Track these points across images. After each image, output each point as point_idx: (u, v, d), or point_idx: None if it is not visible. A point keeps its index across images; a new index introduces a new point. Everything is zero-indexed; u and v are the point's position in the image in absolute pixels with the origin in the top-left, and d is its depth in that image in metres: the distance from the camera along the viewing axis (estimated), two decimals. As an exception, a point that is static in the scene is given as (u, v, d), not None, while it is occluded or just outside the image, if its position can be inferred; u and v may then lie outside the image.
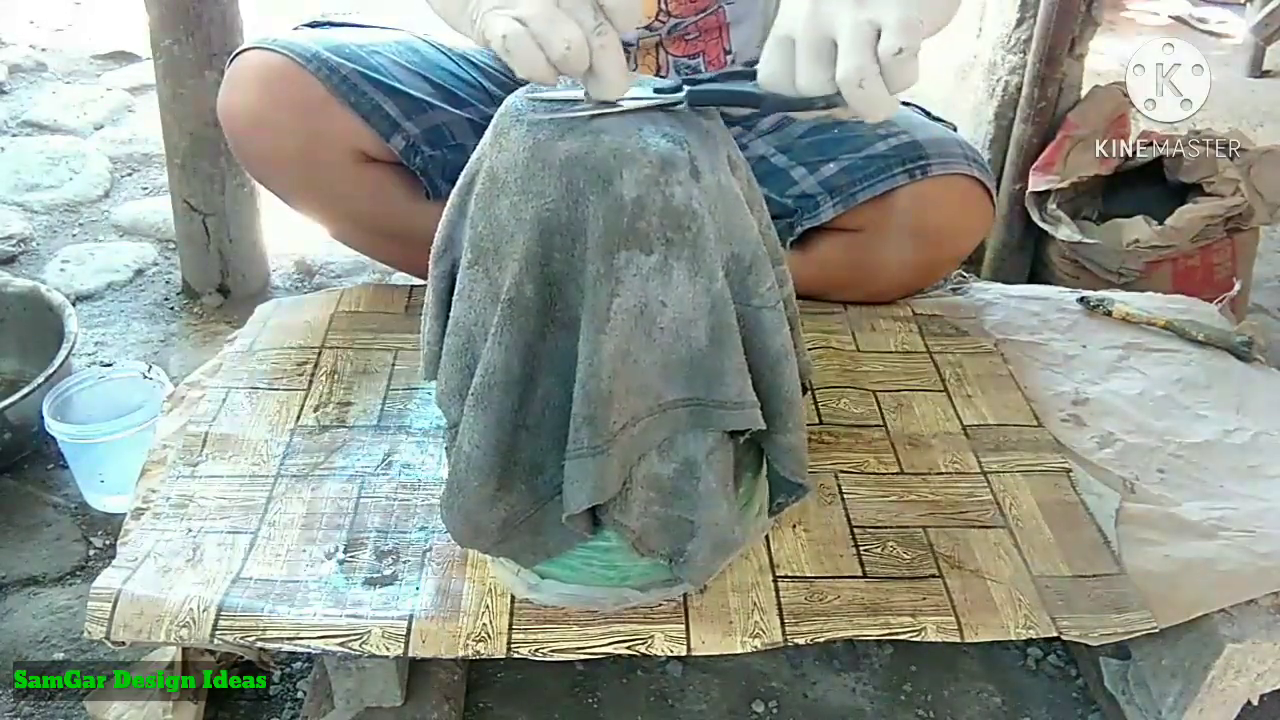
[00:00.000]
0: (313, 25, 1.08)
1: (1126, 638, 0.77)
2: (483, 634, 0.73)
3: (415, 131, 1.03)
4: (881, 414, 0.97)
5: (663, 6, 1.05)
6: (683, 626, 0.75)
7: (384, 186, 1.05)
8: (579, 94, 0.63)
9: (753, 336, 0.67)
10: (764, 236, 0.70)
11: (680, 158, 0.62)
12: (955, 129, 1.09)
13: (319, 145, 1.01)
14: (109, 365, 1.21)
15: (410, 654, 0.72)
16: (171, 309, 1.52)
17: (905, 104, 1.13)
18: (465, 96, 1.07)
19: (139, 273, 1.61)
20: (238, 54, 1.02)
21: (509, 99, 0.68)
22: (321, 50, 1.00)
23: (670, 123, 0.64)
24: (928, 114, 1.11)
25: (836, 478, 0.89)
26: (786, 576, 0.79)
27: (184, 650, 0.87)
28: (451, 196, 0.70)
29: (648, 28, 1.06)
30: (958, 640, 0.75)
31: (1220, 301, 1.24)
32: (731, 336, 0.65)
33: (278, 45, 0.99)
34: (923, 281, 1.13)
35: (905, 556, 0.82)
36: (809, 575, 0.79)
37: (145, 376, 1.19)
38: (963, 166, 1.02)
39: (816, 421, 0.95)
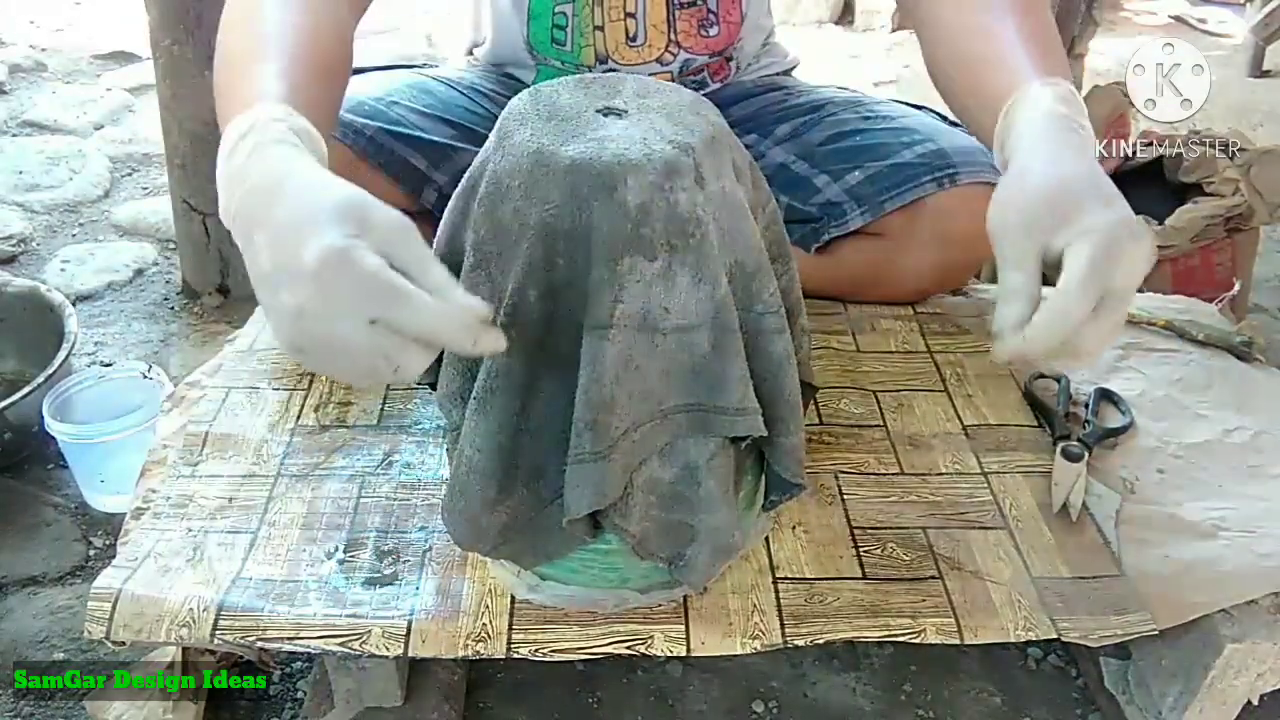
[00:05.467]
0: None
1: (1126, 639, 0.78)
2: (483, 634, 0.73)
3: (444, 180, 1.02)
4: (882, 414, 0.97)
5: (672, 39, 1.06)
6: (682, 627, 0.75)
7: (424, 237, 1.04)
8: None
9: (755, 342, 0.67)
10: (770, 232, 0.70)
11: (685, 164, 0.62)
12: None
13: None
14: (109, 365, 1.21)
15: (410, 654, 0.72)
16: (171, 309, 1.53)
17: (919, 108, 1.13)
18: (483, 131, 1.07)
19: (139, 273, 1.62)
20: None
21: (512, 101, 0.68)
22: (343, 113, 0.97)
23: (675, 129, 0.64)
24: (943, 118, 1.10)
25: (836, 478, 0.89)
26: (786, 578, 0.79)
27: (184, 650, 0.87)
28: (453, 199, 0.70)
29: (658, 60, 1.06)
30: (957, 642, 0.75)
31: (1220, 301, 1.24)
32: (734, 343, 0.65)
33: None
34: (943, 285, 1.13)
35: (905, 558, 0.82)
36: (809, 577, 0.80)
37: (145, 376, 1.19)
38: (989, 174, 1.02)
39: (816, 422, 0.95)
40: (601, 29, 1.04)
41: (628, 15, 1.03)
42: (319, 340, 0.53)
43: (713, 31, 1.07)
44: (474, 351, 0.55)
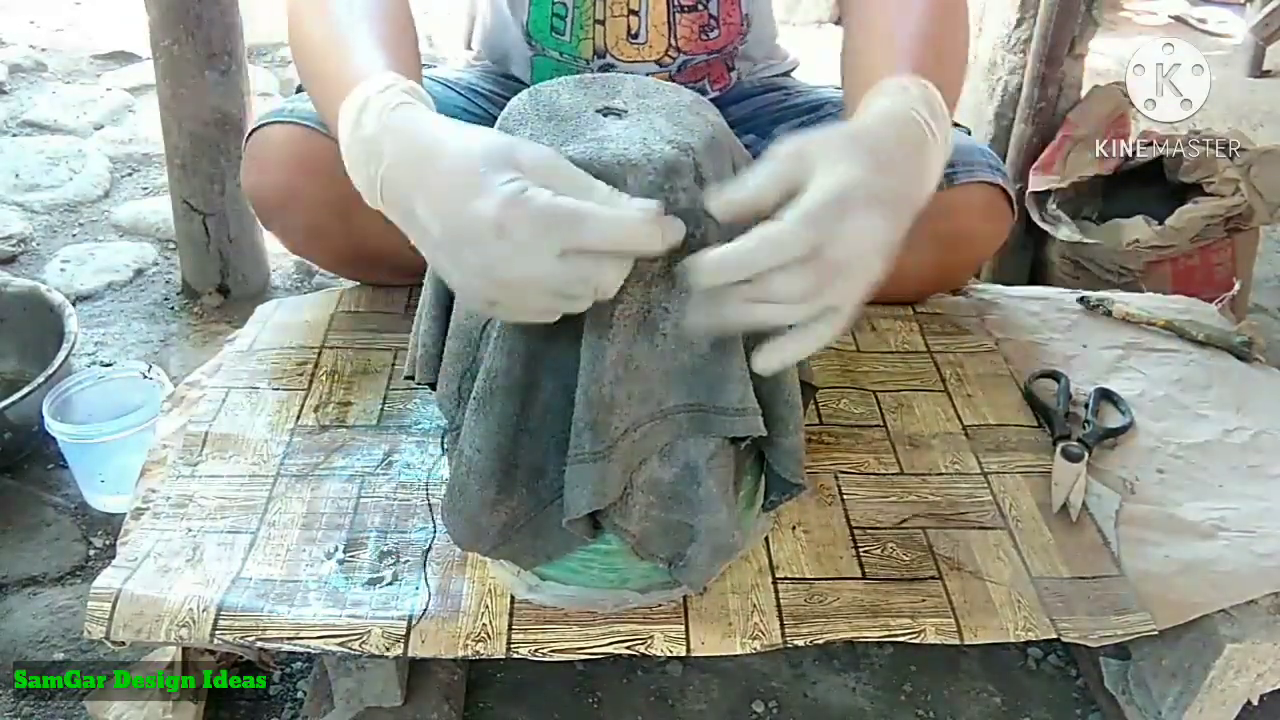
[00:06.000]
0: None
1: (1126, 639, 0.78)
2: (483, 634, 0.74)
3: None
4: (881, 414, 0.97)
5: (672, 44, 1.06)
6: (682, 627, 0.75)
7: None
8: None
9: (755, 343, 0.67)
10: None
11: (685, 164, 0.62)
12: (969, 133, 1.08)
13: (354, 211, 0.99)
14: (109, 365, 1.21)
15: (410, 654, 0.72)
16: (171, 309, 1.52)
17: None
18: None
19: (139, 273, 1.61)
20: (254, 131, 1.00)
21: (512, 101, 0.68)
22: None
23: (675, 129, 0.64)
24: None
25: (836, 478, 0.89)
26: (786, 578, 0.79)
27: (184, 650, 0.87)
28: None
29: (657, 62, 1.06)
30: (957, 642, 0.76)
31: (1220, 301, 1.24)
32: (734, 343, 0.65)
33: (295, 116, 0.97)
34: (942, 285, 1.12)
35: (905, 558, 0.82)
36: (808, 577, 0.80)
37: (145, 376, 1.19)
38: (986, 174, 1.01)
39: (816, 422, 0.95)
40: (602, 23, 1.04)
41: (631, 12, 1.03)
42: (513, 286, 0.55)
43: (714, 35, 1.07)
44: (663, 248, 0.55)
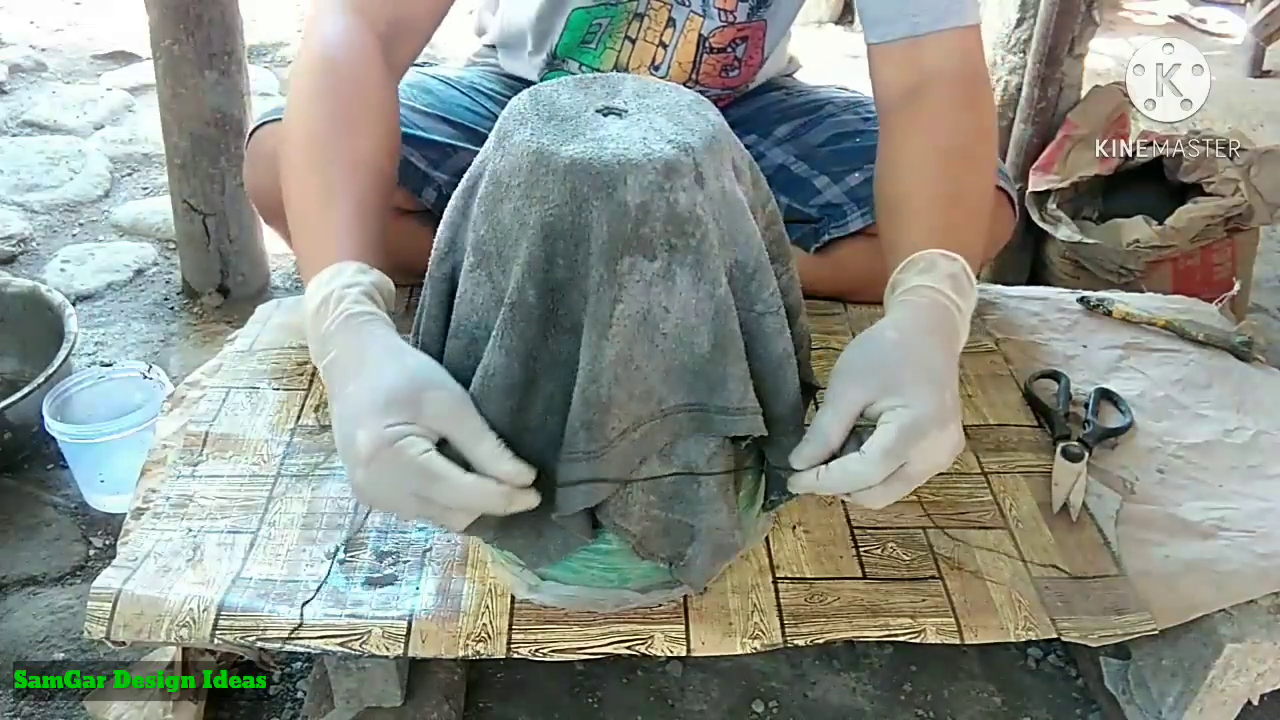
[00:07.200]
0: None
1: (1126, 639, 0.78)
2: (483, 634, 0.73)
3: (444, 179, 1.02)
4: (881, 414, 0.97)
5: (693, 77, 1.06)
6: (683, 627, 0.75)
7: (422, 236, 1.05)
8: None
9: (755, 342, 0.67)
10: (770, 232, 0.70)
11: (685, 164, 0.62)
12: None
13: None
14: (109, 365, 1.21)
15: (410, 654, 0.72)
16: (171, 309, 1.53)
17: None
18: (483, 130, 1.07)
19: (139, 273, 1.62)
20: (256, 128, 1.00)
21: (512, 101, 0.68)
22: None
23: (675, 129, 0.64)
24: None
25: (837, 478, 0.89)
26: (786, 578, 0.79)
27: (184, 650, 0.87)
28: (453, 199, 0.70)
29: None
30: (957, 642, 0.75)
31: (1220, 301, 1.24)
32: (734, 343, 0.65)
33: None
34: None
35: (905, 558, 0.82)
36: (809, 576, 0.80)
37: (145, 376, 1.19)
38: None
39: (817, 422, 0.95)
40: (633, 42, 1.04)
41: (660, 44, 1.04)
42: (376, 503, 0.66)
43: (733, 74, 1.08)
44: (507, 513, 0.63)
